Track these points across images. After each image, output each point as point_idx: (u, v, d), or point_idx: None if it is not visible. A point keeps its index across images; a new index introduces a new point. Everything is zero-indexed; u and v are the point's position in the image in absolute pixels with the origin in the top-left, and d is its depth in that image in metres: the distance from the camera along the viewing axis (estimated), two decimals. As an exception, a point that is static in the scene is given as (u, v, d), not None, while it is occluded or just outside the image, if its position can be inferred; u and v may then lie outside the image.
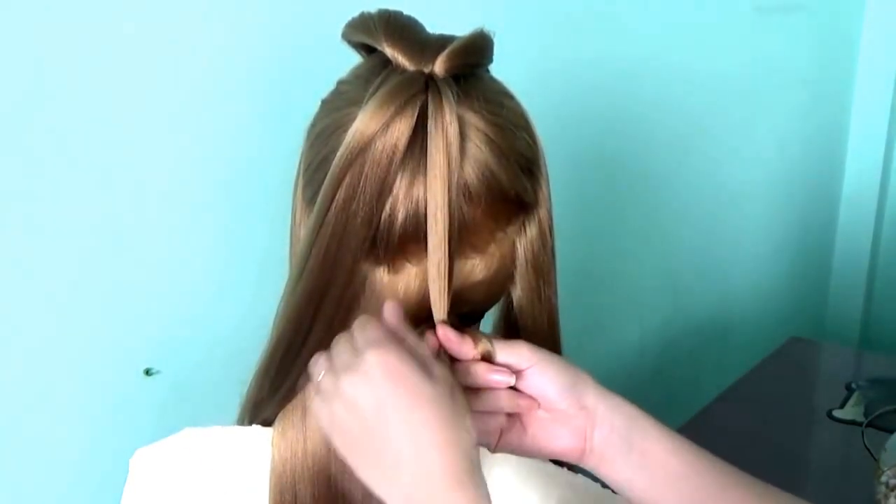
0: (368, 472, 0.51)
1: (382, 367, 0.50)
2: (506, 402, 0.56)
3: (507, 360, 0.56)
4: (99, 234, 0.87)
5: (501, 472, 0.60)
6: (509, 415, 0.57)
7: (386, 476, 0.50)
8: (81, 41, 0.83)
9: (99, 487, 0.85)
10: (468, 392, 0.55)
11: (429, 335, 0.55)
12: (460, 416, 0.51)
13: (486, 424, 0.56)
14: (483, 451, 0.58)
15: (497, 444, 0.57)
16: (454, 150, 0.53)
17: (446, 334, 0.55)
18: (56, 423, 0.88)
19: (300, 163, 0.60)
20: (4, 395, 0.84)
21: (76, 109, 0.84)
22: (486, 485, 0.49)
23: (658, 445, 0.57)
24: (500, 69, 0.61)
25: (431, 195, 0.53)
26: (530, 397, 0.57)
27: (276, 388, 0.58)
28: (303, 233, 0.57)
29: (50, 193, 0.83)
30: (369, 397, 0.50)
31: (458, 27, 0.59)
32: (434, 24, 0.59)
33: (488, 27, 0.58)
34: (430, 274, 0.54)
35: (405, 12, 0.59)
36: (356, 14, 0.59)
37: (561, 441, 0.57)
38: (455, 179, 0.53)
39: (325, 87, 0.60)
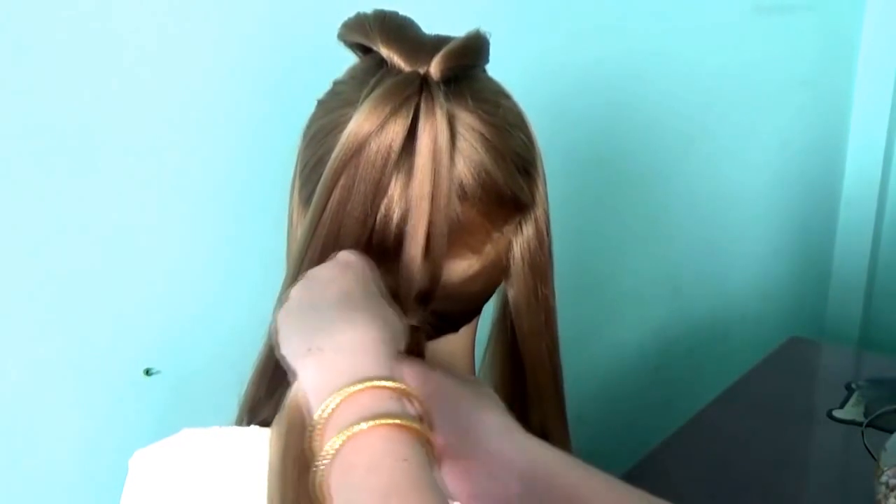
0: (286, 321, 0.50)
1: (344, 256, 0.52)
2: None
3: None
4: (98, 235, 0.87)
5: None
6: None
7: (294, 314, 0.50)
8: (82, 41, 0.83)
9: (99, 488, 0.85)
10: None
11: None
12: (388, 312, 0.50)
13: None
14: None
15: None
16: (443, 153, 0.52)
17: None
18: (56, 423, 0.88)
19: (297, 163, 0.60)
20: (4, 395, 0.84)
21: (77, 110, 0.84)
22: (398, 369, 0.47)
23: (577, 487, 0.54)
24: (499, 70, 0.61)
25: (413, 199, 0.53)
26: None
27: (274, 389, 0.58)
28: (299, 233, 0.57)
29: (50, 193, 0.83)
30: (323, 271, 0.51)
31: (456, 28, 0.59)
32: (431, 25, 0.59)
33: (486, 28, 0.58)
34: (402, 273, 0.54)
35: (401, 13, 0.59)
36: (352, 14, 0.59)
37: (462, 484, 0.55)
38: (445, 181, 0.53)
39: (324, 87, 0.60)
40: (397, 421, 0.43)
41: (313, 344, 0.46)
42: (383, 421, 0.43)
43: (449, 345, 0.61)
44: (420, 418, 0.46)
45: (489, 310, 0.64)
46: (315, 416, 0.44)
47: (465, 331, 0.62)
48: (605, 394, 1.66)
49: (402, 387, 0.45)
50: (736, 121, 1.89)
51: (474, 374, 0.65)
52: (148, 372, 0.93)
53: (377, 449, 0.42)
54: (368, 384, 0.44)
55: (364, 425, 0.42)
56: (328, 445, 0.43)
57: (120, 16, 0.85)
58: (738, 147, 1.92)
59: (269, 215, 0.73)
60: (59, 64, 0.82)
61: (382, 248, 0.55)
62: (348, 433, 0.43)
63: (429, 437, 0.44)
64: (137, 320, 0.92)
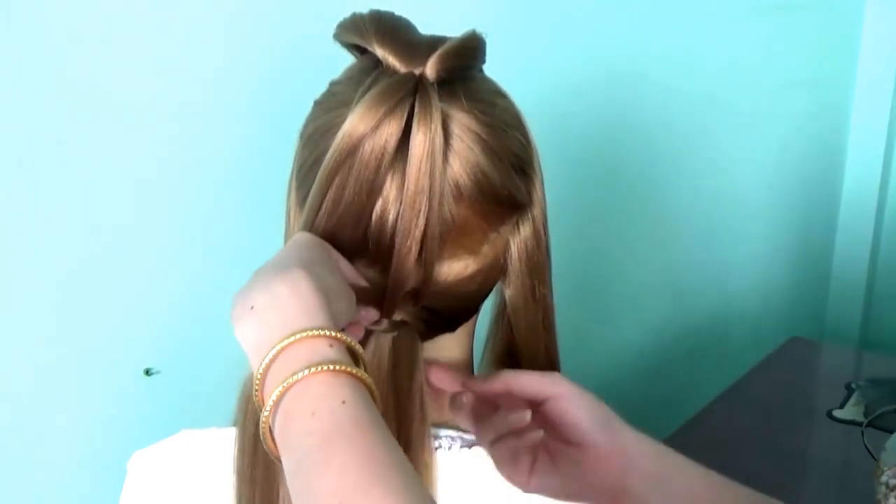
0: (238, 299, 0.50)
1: (299, 235, 0.54)
2: (505, 423, 0.56)
3: (536, 385, 0.56)
4: (99, 235, 0.87)
5: (496, 471, 0.59)
6: (536, 451, 0.57)
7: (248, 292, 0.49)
8: (82, 40, 0.83)
9: (98, 487, 0.86)
10: (481, 422, 0.57)
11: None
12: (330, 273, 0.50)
13: (503, 454, 0.56)
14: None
15: (529, 483, 0.56)
16: (437, 154, 0.52)
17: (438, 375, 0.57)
18: (56, 423, 0.88)
19: (293, 164, 0.60)
20: (5, 395, 0.84)
21: (78, 109, 0.84)
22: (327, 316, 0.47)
23: (694, 483, 0.57)
24: (498, 70, 0.61)
25: (406, 199, 0.53)
26: (542, 426, 0.56)
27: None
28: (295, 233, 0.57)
29: (51, 192, 0.83)
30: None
31: (452, 28, 0.59)
32: (428, 26, 0.59)
33: (483, 28, 0.58)
34: (392, 270, 0.54)
35: (397, 13, 0.59)
36: (348, 14, 0.59)
37: (595, 479, 0.56)
38: (438, 182, 0.53)
39: (321, 88, 0.60)
40: (332, 366, 0.44)
41: (249, 303, 0.47)
42: (319, 368, 0.44)
43: (447, 344, 0.61)
44: (357, 362, 0.47)
45: (488, 310, 0.64)
46: (255, 373, 0.46)
47: (462, 330, 0.62)
48: (605, 394, 1.65)
49: (336, 334, 0.46)
50: (736, 121, 1.89)
51: (472, 372, 0.65)
52: (148, 372, 0.93)
53: (316, 394, 0.44)
54: (302, 335, 0.45)
55: (300, 374, 0.44)
56: (268, 398, 0.45)
57: (120, 16, 0.85)
58: (738, 147, 1.92)
59: (269, 215, 0.73)
60: (58, 65, 0.82)
61: (378, 249, 0.55)
62: (285, 384, 0.44)
63: (365, 379, 0.46)
64: (137, 320, 0.92)
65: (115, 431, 0.91)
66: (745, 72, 1.87)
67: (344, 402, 0.43)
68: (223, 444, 0.61)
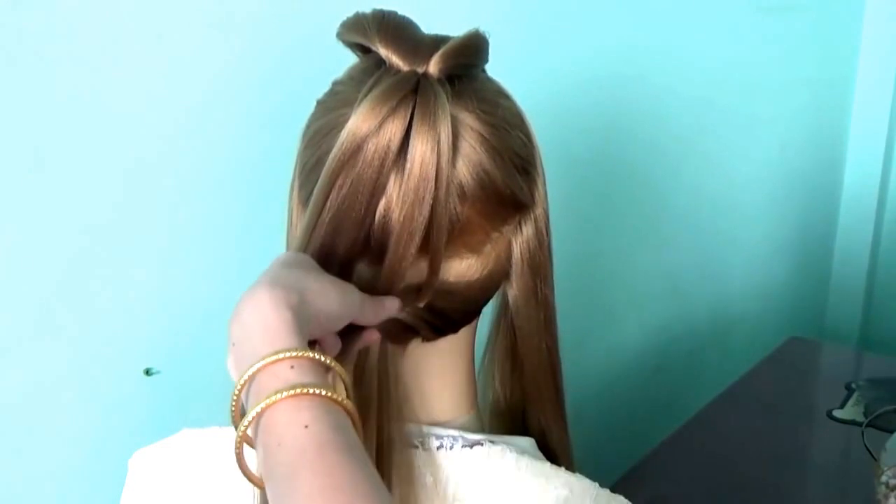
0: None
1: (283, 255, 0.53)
2: None
3: None
4: (99, 234, 0.87)
5: (497, 470, 0.59)
6: None
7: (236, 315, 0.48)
8: (82, 41, 0.83)
9: (98, 487, 0.86)
10: None
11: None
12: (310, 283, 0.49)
13: None
14: (483, 453, 0.58)
15: None
16: (444, 146, 0.52)
17: None
18: (56, 423, 0.88)
19: (296, 163, 0.60)
20: (4, 395, 0.84)
21: (78, 109, 0.84)
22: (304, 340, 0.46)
23: None
24: (499, 68, 0.61)
25: (406, 195, 0.52)
26: None
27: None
28: (297, 233, 0.57)
29: (51, 191, 0.83)
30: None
31: (455, 28, 0.59)
32: (431, 25, 0.59)
33: (486, 27, 0.58)
34: (385, 266, 0.54)
35: (400, 12, 0.59)
36: (351, 14, 0.59)
37: None
38: (444, 179, 0.53)
39: (324, 87, 0.60)
40: (292, 391, 0.43)
41: (231, 340, 0.47)
42: (277, 396, 0.43)
43: (449, 345, 0.61)
44: (326, 369, 0.46)
45: (489, 310, 0.64)
46: (230, 409, 0.46)
47: (464, 331, 0.62)
48: (605, 393, 1.66)
49: (298, 353, 0.45)
50: (736, 121, 1.89)
51: (474, 374, 0.65)
52: (148, 372, 0.93)
53: (279, 423, 0.43)
54: (261, 363, 0.44)
55: (259, 407, 0.43)
56: (237, 433, 0.44)
57: (120, 16, 0.85)
58: (738, 147, 1.92)
59: (270, 215, 0.73)
60: (61, 65, 0.82)
61: (380, 248, 0.55)
62: (247, 420, 0.44)
63: (330, 395, 0.44)
64: (137, 320, 0.92)
65: (115, 431, 0.91)
66: (745, 72, 1.87)
67: (307, 427, 0.42)
68: (225, 443, 0.61)
